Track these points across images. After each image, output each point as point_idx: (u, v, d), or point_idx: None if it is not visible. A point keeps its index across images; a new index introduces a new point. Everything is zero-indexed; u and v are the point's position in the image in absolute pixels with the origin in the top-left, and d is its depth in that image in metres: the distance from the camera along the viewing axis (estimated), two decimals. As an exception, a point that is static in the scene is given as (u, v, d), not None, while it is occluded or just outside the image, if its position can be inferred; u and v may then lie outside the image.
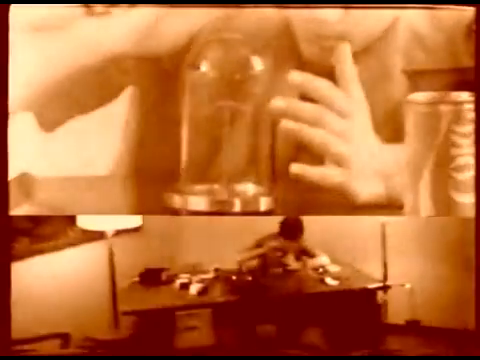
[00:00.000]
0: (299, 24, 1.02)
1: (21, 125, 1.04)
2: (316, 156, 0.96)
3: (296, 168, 0.95)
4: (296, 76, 0.95)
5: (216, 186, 0.95)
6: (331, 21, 0.97)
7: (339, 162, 0.95)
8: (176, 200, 0.94)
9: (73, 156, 1.16)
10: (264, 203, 0.95)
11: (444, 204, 0.86)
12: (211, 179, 0.96)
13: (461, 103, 0.84)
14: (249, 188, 0.96)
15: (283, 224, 1.89)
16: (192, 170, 0.96)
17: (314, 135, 0.94)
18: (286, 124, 0.94)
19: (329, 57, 0.97)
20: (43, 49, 0.99)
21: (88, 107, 1.08)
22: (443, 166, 0.85)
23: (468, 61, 1.00)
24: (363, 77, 0.96)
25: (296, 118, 0.94)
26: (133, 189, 1.12)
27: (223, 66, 0.94)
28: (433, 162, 0.85)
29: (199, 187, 0.95)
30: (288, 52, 1.06)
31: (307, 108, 0.94)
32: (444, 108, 0.84)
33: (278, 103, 0.94)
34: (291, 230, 1.90)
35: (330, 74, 0.96)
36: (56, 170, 1.10)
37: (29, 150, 1.08)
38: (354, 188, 0.95)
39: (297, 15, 1.02)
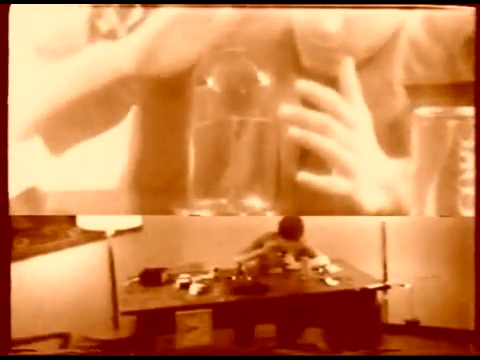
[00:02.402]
0: (301, 36, 1.03)
1: (31, 147, 1.04)
2: (322, 169, 0.96)
3: (304, 176, 0.95)
4: (303, 85, 0.95)
5: (223, 201, 0.96)
6: (332, 33, 0.98)
7: (346, 172, 0.95)
8: (184, 215, 0.95)
9: (81, 173, 1.15)
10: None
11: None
12: (218, 194, 0.96)
13: (467, 118, 0.84)
14: (256, 202, 0.97)
15: (283, 224, 1.89)
16: (199, 185, 0.96)
17: (322, 143, 0.94)
18: (295, 131, 0.94)
19: (330, 69, 0.98)
20: (49, 74, 1.00)
21: (96, 130, 1.10)
22: (449, 180, 0.84)
23: (467, 75, 1.01)
24: (364, 90, 0.97)
25: (304, 126, 0.94)
26: (139, 203, 1.12)
27: (229, 80, 0.94)
28: (439, 176, 0.84)
29: (206, 202, 0.96)
30: (290, 64, 1.06)
31: (314, 117, 0.95)
32: (450, 123, 0.84)
33: (286, 110, 0.94)
34: (291, 230, 1.90)
35: (330, 86, 0.96)
36: (64, 186, 1.09)
37: (38, 169, 1.08)
38: (360, 198, 0.95)
39: (299, 26, 1.03)
